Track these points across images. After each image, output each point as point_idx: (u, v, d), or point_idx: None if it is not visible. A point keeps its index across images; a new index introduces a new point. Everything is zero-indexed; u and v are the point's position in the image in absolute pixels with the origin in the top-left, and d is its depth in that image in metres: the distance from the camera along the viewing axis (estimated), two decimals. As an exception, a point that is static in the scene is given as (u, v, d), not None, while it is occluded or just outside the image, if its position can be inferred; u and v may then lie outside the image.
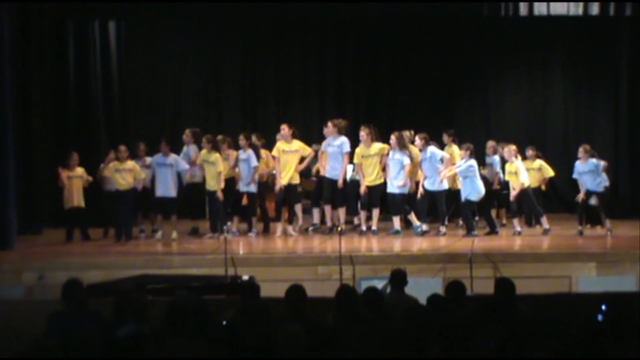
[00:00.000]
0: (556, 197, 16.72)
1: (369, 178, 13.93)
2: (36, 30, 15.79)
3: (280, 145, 14.14)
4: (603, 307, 6.42)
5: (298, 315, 6.53)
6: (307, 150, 14.31)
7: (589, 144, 14.51)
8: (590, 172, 13.81)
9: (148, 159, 14.28)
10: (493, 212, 14.79)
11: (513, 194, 13.95)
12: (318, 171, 14.56)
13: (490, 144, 15.22)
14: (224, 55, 17.96)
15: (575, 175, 14.04)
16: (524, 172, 13.92)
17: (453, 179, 14.16)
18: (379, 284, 8.33)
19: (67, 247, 13.56)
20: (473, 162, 13.70)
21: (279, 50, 17.92)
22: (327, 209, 14.29)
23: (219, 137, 14.31)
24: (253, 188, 14.11)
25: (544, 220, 14.04)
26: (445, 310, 6.48)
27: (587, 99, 17.79)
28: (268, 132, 15.34)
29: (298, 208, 14.34)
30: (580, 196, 13.88)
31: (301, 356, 5.23)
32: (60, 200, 14.18)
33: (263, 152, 14.49)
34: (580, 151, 14.05)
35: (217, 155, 13.90)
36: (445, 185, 13.99)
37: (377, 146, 14.00)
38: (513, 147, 14.12)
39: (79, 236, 14.12)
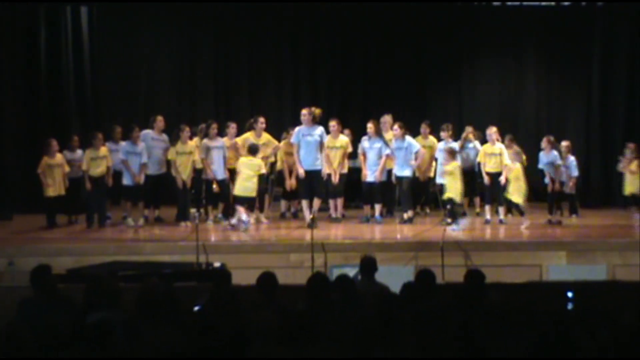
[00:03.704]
0: (528, 186, 16.77)
1: (334, 168, 13.99)
2: (7, 15, 15.63)
3: (248, 136, 14.19)
4: (569, 294, 6.46)
5: (270, 303, 6.54)
6: (274, 144, 14.46)
7: (560, 133, 14.63)
8: (553, 164, 13.96)
9: (123, 143, 14.21)
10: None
11: (505, 174, 13.84)
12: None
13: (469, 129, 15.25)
14: (197, 41, 17.88)
15: (540, 166, 14.19)
16: (507, 153, 13.99)
17: (426, 168, 14.28)
18: (351, 272, 8.32)
19: (37, 233, 13.45)
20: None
21: (253, 38, 17.82)
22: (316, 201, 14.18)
23: (202, 125, 14.34)
24: (224, 175, 14.08)
25: (488, 208, 14.11)
26: (416, 299, 6.51)
27: (559, 88, 17.88)
28: (241, 120, 15.27)
29: (267, 197, 14.59)
30: (550, 186, 13.98)
31: (273, 343, 5.23)
32: (35, 187, 14.05)
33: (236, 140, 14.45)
34: (544, 142, 14.19)
35: (192, 144, 13.94)
36: (409, 173, 14.01)
37: (343, 139, 14.15)
38: (494, 129, 14.18)
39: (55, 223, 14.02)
